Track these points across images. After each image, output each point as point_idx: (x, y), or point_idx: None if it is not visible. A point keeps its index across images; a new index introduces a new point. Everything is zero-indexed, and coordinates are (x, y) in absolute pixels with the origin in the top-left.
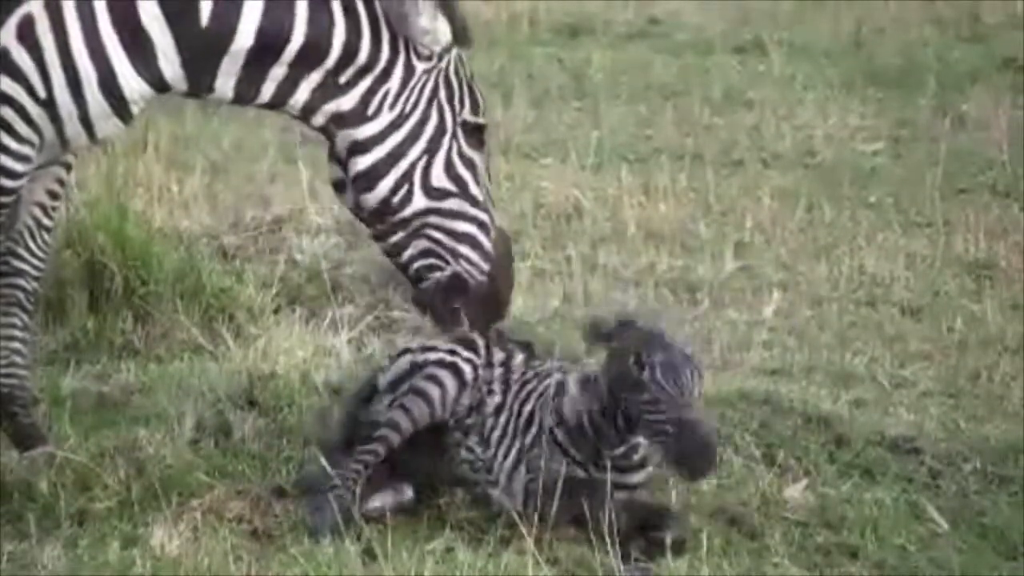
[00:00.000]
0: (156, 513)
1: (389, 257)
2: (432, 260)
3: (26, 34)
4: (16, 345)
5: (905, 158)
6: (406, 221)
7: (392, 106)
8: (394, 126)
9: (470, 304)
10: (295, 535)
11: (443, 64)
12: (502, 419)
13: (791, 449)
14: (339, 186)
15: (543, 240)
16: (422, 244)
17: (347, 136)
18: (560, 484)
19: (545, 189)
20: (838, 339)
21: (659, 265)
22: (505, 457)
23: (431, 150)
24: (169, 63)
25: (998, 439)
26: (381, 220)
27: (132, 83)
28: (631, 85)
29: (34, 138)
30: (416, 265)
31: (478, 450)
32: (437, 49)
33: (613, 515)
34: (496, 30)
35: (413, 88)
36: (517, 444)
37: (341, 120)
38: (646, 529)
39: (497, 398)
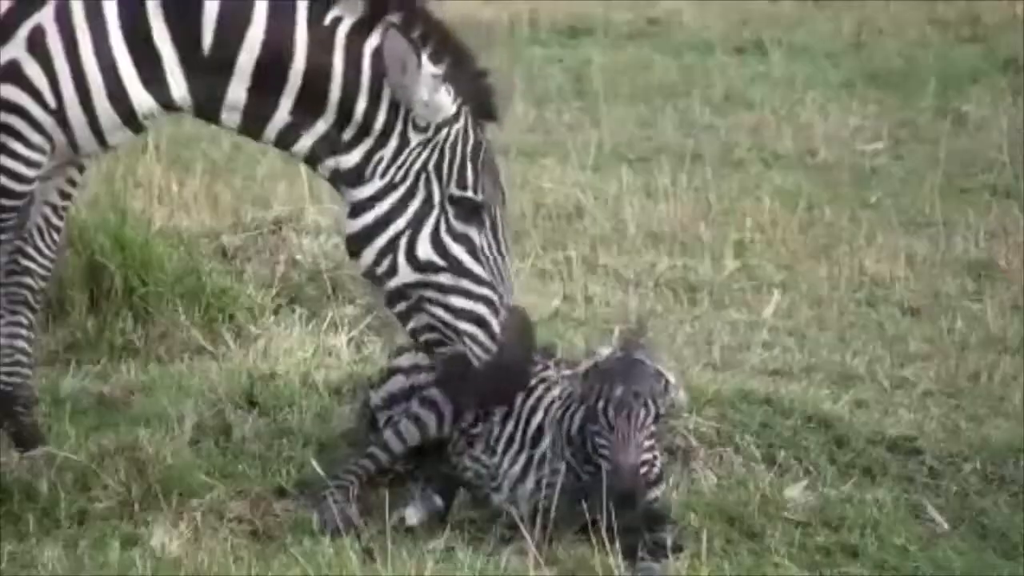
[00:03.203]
0: (156, 513)
1: (401, 325)
2: (434, 335)
3: (37, 45)
4: (21, 344)
5: (905, 158)
6: (398, 293)
7: (383, 174)
8: (382, 194)
9: (477, 381)
10: (295, 535)
11: (440, 136)
12: (509, 427)
13: (791, 449)
14: None
15: (543, 240)
16: (423, 319)
17: (346, 195)
18: (567, 496)
19: (545, 189)
20: (838, 339)
21: (659, 265)
22: (511, 465)
23: (416, 223)
24: (177, 85)
25: (998, 439)
26: (375, 287)
27: (142, 98)
28: (631, 85)
29: (45, 145)
30: (421, 339)
31: (483, 458)
32: (436, 120)
33: (614, 518)
34: (496, 30)
35: (406, 159)
36: (525, 455)
37: (340, 178)
38: (648, 531)
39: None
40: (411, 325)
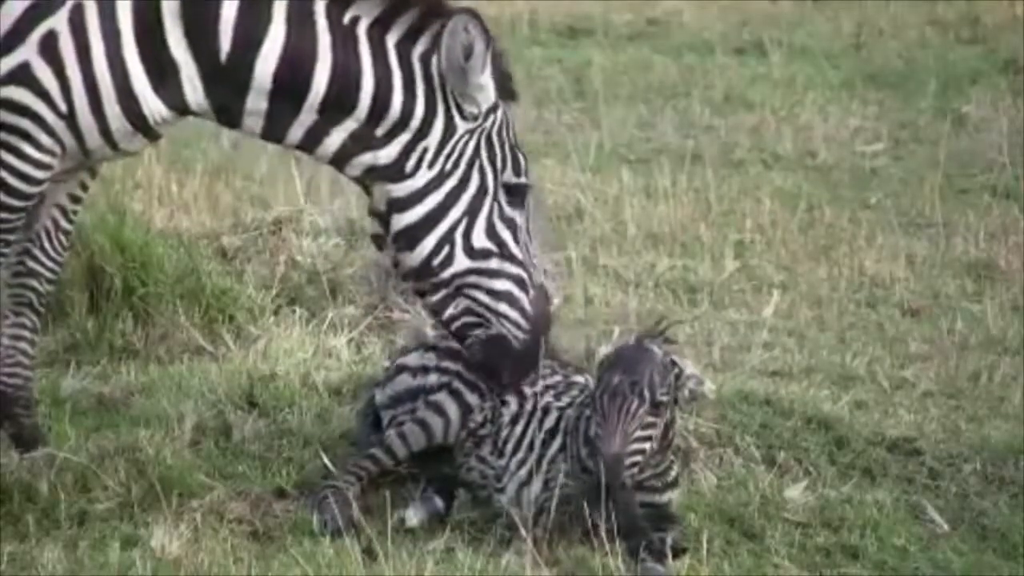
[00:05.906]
0: (156, 514)
1: (431, 315)
2: (472, 319)
3: (49, 48)
4: (23, 346)
5: (905, 159)
6: (446, 282)
7: (431, 164)
8: (433, 185)
9: (510, 360)
10: (295, 535)
11: (487, 124)
12: (518, 429)
13: (791, 450)
14: (378, 241)
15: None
16: (463, 303)
17: (386, 191)
18: (574, 498)
19: (545, 190)
20: (838, 340)
21: (659, 266)
22: (519, 468)
23: (472, 211)
24: (194, 90)
25: (998, 439)
26: (421, 280)
27: (152, 105)
28: (631, 85)
29: (55, 147)
30: (457, 324)
31: (490, 459)
32: (484, 108)
33: (614, 518)
34: (496, 30)
35: (453, 147)
36: (533, 456)
37: (378, 173)
38: (655, 531)
39: (512, 408)
40: (449, 312)
